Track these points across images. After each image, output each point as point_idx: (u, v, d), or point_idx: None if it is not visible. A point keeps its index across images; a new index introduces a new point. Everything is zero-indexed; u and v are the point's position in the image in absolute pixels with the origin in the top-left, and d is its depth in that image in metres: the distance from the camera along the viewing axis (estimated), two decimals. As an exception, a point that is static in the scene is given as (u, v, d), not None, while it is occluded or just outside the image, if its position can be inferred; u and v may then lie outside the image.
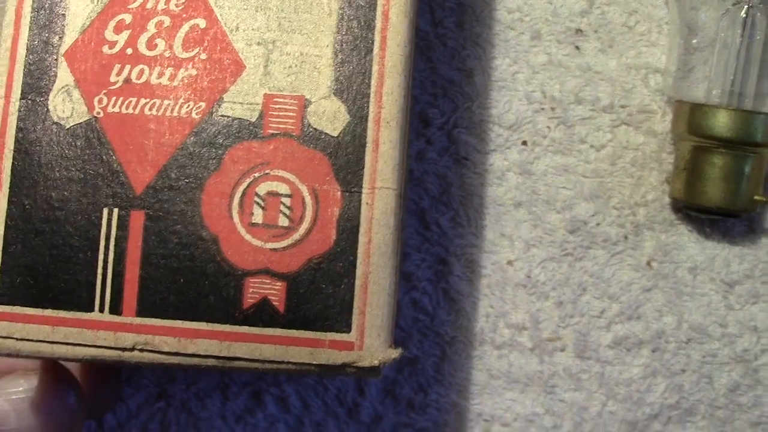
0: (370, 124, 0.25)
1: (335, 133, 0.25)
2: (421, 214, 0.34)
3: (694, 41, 0.34)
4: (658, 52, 0.35)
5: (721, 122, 0.33)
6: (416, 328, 0.34)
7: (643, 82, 0.35)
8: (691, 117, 0.33)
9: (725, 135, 0.33)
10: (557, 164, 0.34)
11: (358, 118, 0.25)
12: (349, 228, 0.25)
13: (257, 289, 0.25)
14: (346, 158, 0.25)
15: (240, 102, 0.26)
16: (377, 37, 0.26)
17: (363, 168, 0.25)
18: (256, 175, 0.25)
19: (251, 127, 0.25)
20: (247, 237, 0.25)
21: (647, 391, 0.34)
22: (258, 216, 0.25)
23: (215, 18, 0.26)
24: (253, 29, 0.26)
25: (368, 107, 0.26)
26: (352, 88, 0.26)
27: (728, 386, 0.34)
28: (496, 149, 0.34)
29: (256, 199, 0.25)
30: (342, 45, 0.26)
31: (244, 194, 0.25)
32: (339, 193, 0.25)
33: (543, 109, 0.35)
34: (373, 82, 0.26)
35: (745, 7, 0.33)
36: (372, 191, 0.25)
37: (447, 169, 0.34)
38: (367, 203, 0.25)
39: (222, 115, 0.25)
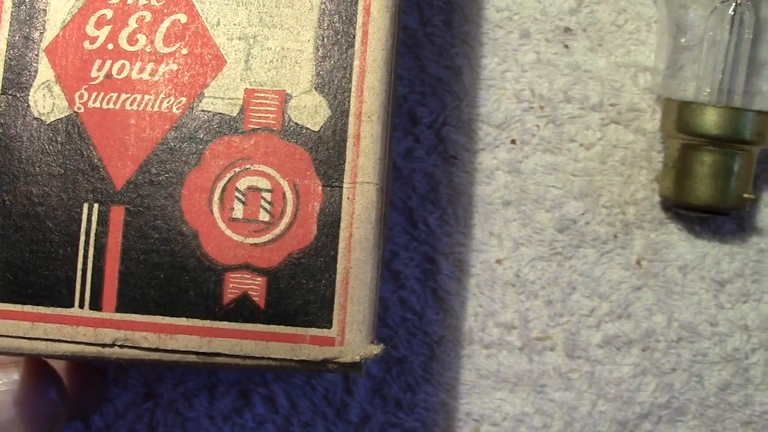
0: (352, 119, 0.25)
1: (316, 128, 0.25)
2: (409, 213, 0.34)
3: (683, 40, 0.33)
4: (647, 50, 0.35)
5: (710, 120, 0.32)
6: (404, 327, 0.33)
7: (632, 80, 0.34)
8: (679, 115, 0.33)
9: (714, 132, 0.32)
10: (546, 163, 0.34)
11: (339, 113, 0.25)
12: (330, 223, 0.25)
13: (237, 285, 0.25)
14: (327, 153, 0.25)
15: (221, 97, 0.25)
16: (358, 32, 0.25)
17: (344, 163, 0.25)
18: (237, 170, 0.25)
19: (232, 122, 0.25)
20: (228, 232, 0.25)
21: (637, 391, 0.34)
22: (238, 211, 0.25)
23: (196, 13, 0.26)
24: (234, 24, 0.26)
25: (349, 102, 0.25)
26: (333, 82, 0.25)
27: (719, 385, 0.34)
28: (485, 148, 0.34)
29: (237, 194, 0.25)
30: (323, 40, 0.25)
31: (224, 189, 0.25)
32: (320, 187, 0.25)
33: (532, 107, 0.34)
34: (355, 76, 0.25)
35: (733, 4, 0.32)
36: (353, 186, 0.25)
37: (435, 167, 0.34)
38: (348, 198, 0.25)
39: (203, 110, 0.25)
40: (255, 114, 0.25)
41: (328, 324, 0.25)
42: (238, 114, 0.25)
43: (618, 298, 0.34)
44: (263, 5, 0.26)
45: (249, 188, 0.25)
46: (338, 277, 0.25)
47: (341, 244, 0.25)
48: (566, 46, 0.35)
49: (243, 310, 0.25)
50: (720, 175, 0.32)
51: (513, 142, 0.34)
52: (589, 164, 0.34)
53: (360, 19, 0.25)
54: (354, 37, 0.25)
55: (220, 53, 0.25)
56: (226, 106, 0.25)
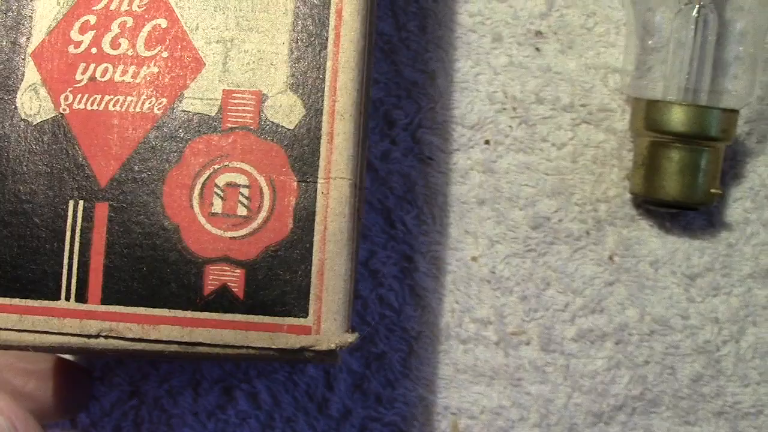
0: (325, 117, 0.27)
1: (291, 126, 0.27)
2: (386, 213, 0.36)
3: (650, 42, 0.35)
4: (616, 52, 0.37)
5: (677, 118, 0.34)
6: (383, 324, 0.35)
7: (602, 81, 0.37)
8: (647, 113, 0.35)
9: (681, 130, 0.34)
10: (519, 162, 0.36)
11: (314, 112, 0.27)
12: (305, 217, 0.27)
13: (217, 277, 0.27)
14: (301, 150, 0.27)
15: (200, 98, 0.27)
16: (331, 35, 0.27)
17: (318, 159, 0.27)
18: (216, 167, 0.27)
19: (211, 122, 0.27)
20: (207, 226, 0.27)
21: (611, 383, 0.36)
22: (217, 206, 0.27)
23: (176, 18, 0.28)
24: (212, 28, 0.28)
25: (323, 101, 0.27)
26: (308, 83, 0.27)
27: (691, 377, 0.36)
28: (460, 148, 0.36)
29: (216, 189, 0.27)
30: (297, 42, 0.27)
31: (204, 185, 0.27)
32: (295, 183, 0.27)
33: (505, 109, 0.36)
34: (328, 77, 0.27)
35: (697, 6, 0.35)
36: (327, 181, 0.27)
37: (411, 168, 0.36)
38: (322, 193, 0.27)
39: (183, 111, 0.27)
40: (233, 113, 0.27)
41: (304, 314, 0.27)
42: (216, 114, 0.27)
43: (591, 293, 0.36)
44: (240, 10, 0.28)
45: (227, 184, 0.27)
46: (314, 269, 0.27)
47: (316, 237, 0.27)
48: (537, 49, 0.37)
49: (223, 301, 0.27)
50: (687, 171, 0.35)
51: (487, 142, 0.36)
52: (561, 163, 0.36)
53: (332, 22, 0.28)
54: (327, 39, 0.27)
55: (199, 56, 0.27)
56: (205, 107, 0.27)
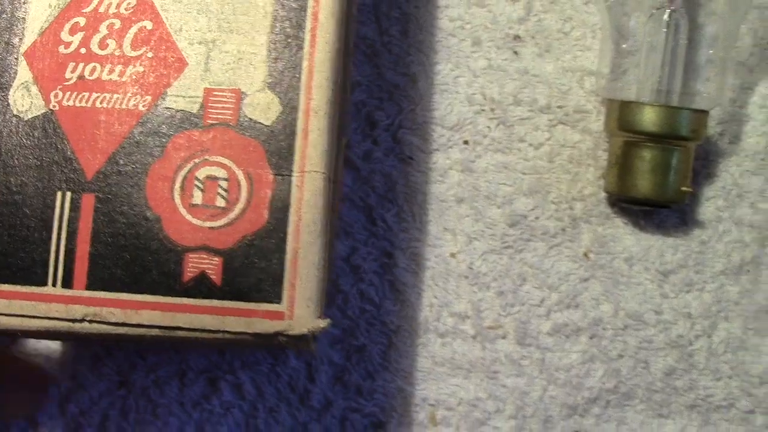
0: (301, 114, 0.29)
1: (269, 123, 0.29)
2: (368, 211, 0.37)
3: (624, 45, 0.37)
4: (592, 55, 0.38)
5: (648, 118, 0.36)
6: (363, 318, 0.37)
7: (578, 83, 0.38)
8: (621, 114, 0.36)
9: (652, 130, 0.36)
10: (497, 162, 0.38)
11: (290, 109, 0.29)
12: (280, 208, 0.29)
13: (196, 264, 0.28)
14: (278, 145, 0.29)
15: (182, 95, 0.29)
16: (307, 36, 0.29)
17: (293, 154, 0.29)
18: (196, 161, 0.29)
19: (192, 118, 0.29)
20: (188, 217, 0.29)
21: (586, 376, 0.37)
22: (197, 198, 0.29)
23: (161, 20, 0.30)
24: (195, 30, 0.29)
25: (299, 99, 0.29)
26: (284, 81, 0.29)
27: (664, 370, 0.37)
28: (439, 149, 0.38)
29: (196, 182, 0.29)
30: (275, 43, 0.29)
31: (185, 178, 0.29)
32: (271, 176, 0.29)
33: (483, 110, 0.38)
34: (304, 76, 0.29)
35: (668, 11, 0.36)
36: (302, 174, 0.29)
37: (392, 168, 0.38)
38: (297, 185, 0.29)
39: (166, 108, 0.29)
40: (213, 110, 0.29)
41: (278, 300, 0.28)
42: (198, 110, 0.29)
43: (567, 289, 0.37)
44: (222, 13, 0.30)
45: (207, 177, 0.29)
46: (288, 257, 0.28)
47: (290, 227, 0.29)
48: (516, 53, 0.38)
49: (201, 287, 0.28)
50: (659, 170, 0.36)
51: (466, 142, 0.38)
52: (538, 163, 0.38)
53: (309, 24, 0.29)
54: (303, 40, 0.29)
55: (182, 56, 0.29)
56: (187, 104, 0.29)
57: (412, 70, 0.38)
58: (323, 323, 0.28)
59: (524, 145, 0.38)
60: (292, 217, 0.29)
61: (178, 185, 0.29)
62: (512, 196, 0.38)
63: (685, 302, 0.38)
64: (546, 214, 0.38)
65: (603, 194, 0.38)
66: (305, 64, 0.29)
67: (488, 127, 0.38)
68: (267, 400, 0.37)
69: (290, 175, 0.29)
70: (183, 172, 0.29)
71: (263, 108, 0.29)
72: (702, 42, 0.37)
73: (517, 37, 0.39)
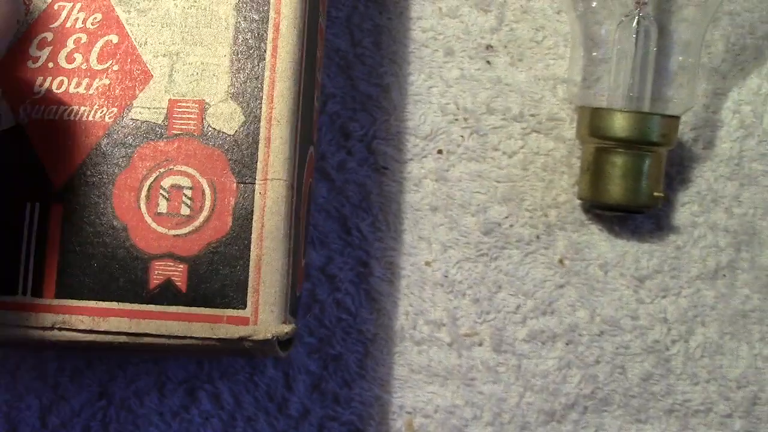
0: (263, 123, 0.30)
1: (232, 132, 0.30)
2: (343, 220, 0.38)
3: (596, 54, 0.38)
4: (564, 64, 0.39)
5: (619, 124, 0.37)
6: (340, 326, 0.38)
7: (551, 92, 0.39)
8: (592, 120, 0.37)
9: (622, 135, 0.37)
10: (471, 171, 0.39)
11: (252, 118, 0.30)
12: (243, 215, 0.29)
13: (162, 271, 0.29)
14: (241, 154, 0.30)
15: (147, 107, 0.30)
16: (269, 47, 0.30)
17: (256, 162, 0.30)
18: (162, 170, 0.30)
19: (157, 129, 0.30)
20: (153, 225, 0.30)
21: (563, 382, 0.38)
22: (163, 206, 0.30)
23: (126, 34, 0.31)
24: (159, 43, 0.31)
25: (261, 108, 0.30)
26: (247, 92, 0.30)
27: (641, 376, 0.38)
28: (413, 158, 0.39)
29: (161, 191, 0.30)
30: (238, 54, 0.30)
31: (150, 188, 0.30)
32: (234, 184, 0.30)
33: (457, 119, 0.39)
34: (266, 86, 0.30)
35: (636, 17, 0.37)
36: (264, 182, 0.30)
37: (367, 177, 0.38)
38: (260, 193, 0.30)
39: (132, 119, 0.30)
40: (177, 121, 0.30)
41: (242, 305, 0.29)
42: (162, 121, 0.30)
43: (542, 296, 0.38)
44: (185, 26, 0.31)
45: (172, 186, 0.30)
46: (251, 264, 0.29)
47: (254, 234, 0.29)
48: (488, 62, 0.39)
49: (167, 294, 0.29)
50: (630, 176, 0.37)
51: (439, 152, 0.39)
52: (512, 171, 0.39)
53: (270, 35, 0.30)
54: (265, 51, 0.30)
55: (147, 69, 0.30)
56: (152, 115, 0.30)
57: (385, 81, 0.39)
58: (287, 328, 0.29)
59: (498, 153, 0.39)
60: (256, 224, 0.29)
61: (143, 194, 0.30)
62: (486, 204, 0.38)
63: (662, 307, 0.38)
64: (520, 221, 0.38)
65: (577, 201, 0.39)
66: (267, 74, 0.30)
67: (462, 136, 0.39)
68: (245, 409, 0.37)
69: (253, 183, 0.30)
70: (148, 182, 0.30)
71: (226, 118, 0.30)
72: (674, 49, 0.38)
73: (489, 47, 0.39)
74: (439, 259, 0.38)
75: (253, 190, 0.30)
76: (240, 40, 0.31)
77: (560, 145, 0.39)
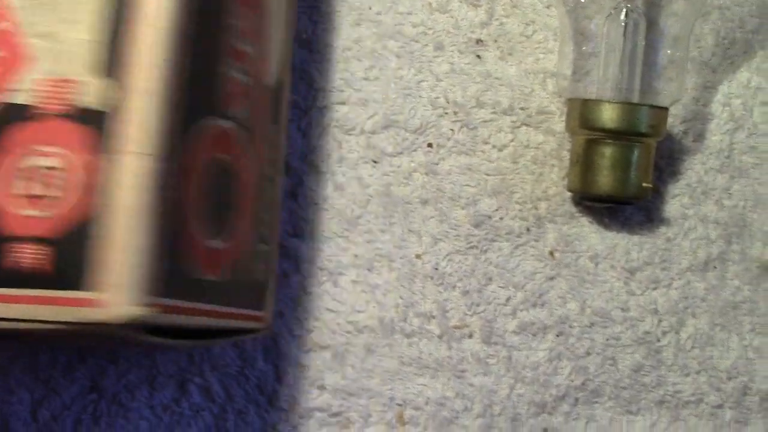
0: (134, 96, 0.30)
1: (102, 108, 0.30)
2: (332, 213, 0.39)
3: (585, 48, 0.38)
4: (554, 58, 0.40)
5: (607, 115, 0.37)
6: (330, 319, 0.38)
7: (541, 85, 0.40)
8: (581, 112, 0.38)
9: (611, 126, 0.37)
10: (461, 164, 0.39)
11: (123, 93, 0.30)
12: (108, 193, 0.30)
13: (29, 255, 0.30)
14: (109, 129, 0.30)
15: (17, 89, 0.31)
16: (142, 20, 0.30)
17: (126, 137, 0.30)
18: (28, 151, 0.30)
19: (28, 111, 0.30)
20: (19, 209, 0.30)
21: (554, 374, 0.38)
22: (30, 188, 0.30)
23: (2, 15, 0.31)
24: (32, 24, 0.31)
25: (132, 83, 0.30)
26: (118, 67, 0.30)
27: (632, 367, 0.38)
28: (404, 152, 0.39)
29: (29, 173, 0.30)
30: (109, 30, 0.31)
31: (18, 170, 0.30)
32: (102, 162, 0.30)
33: (447, 113, 0.39)
34: (137, 58, 0.30)
35: (624, 10, 0.38)
36: (127, 157, 0.30)
37: (357, 171, 0.39)
38: (122, 169, 0.30)
39: (2, 103, 0.31)
40: (48, 101, 0.31)
41: (104, 287, 0.29)
42: (33, 102, 0.30)
43: (532, 288, 0.38)
44: (60, 3, 0.31)
45: (40, 167, 0.30)
46: (113, 244, 0.29)
47: (118, 212, 0.29)
48: (478, 56, 0.40)
49: (30, 277, 0.29)
50: (619, 167, 0.37)
51: (430, 145, 0.39)
52: (502, 164, 0.39)
53: (144, 9, 0.31)
54: (136, 24, 0.31)
55: (21, 51, 0.31)
56: (21, 97, 0.31)
57: (375, 75, 0.40)
58: (146, 310, 0.29)
59: (488, 146, 0.39)
60: (119, 202, 0.30)
61: (11, 177, 0.30)
62: (476, 197, 0.39)
63: (652, 299, 0.38)
64: (510, 214, 0.39)
65: (567, 194, 0.39)
66: (138, 47, 0.30)
67: (452, 129, 0.39)
68: (236, 402, 0.38)
69: (119, 159, 0.30)
70: (16, 165, 0.30)
71: (96, 94, 0.30)
72: (661, 42, 0.38)
73: (479, 41, 0.40)
74: (429, 251, 0.39)
75: (120, 166, 0.30)
76: (112, 15, 0.31)
77: (550, 138, 0.39)
